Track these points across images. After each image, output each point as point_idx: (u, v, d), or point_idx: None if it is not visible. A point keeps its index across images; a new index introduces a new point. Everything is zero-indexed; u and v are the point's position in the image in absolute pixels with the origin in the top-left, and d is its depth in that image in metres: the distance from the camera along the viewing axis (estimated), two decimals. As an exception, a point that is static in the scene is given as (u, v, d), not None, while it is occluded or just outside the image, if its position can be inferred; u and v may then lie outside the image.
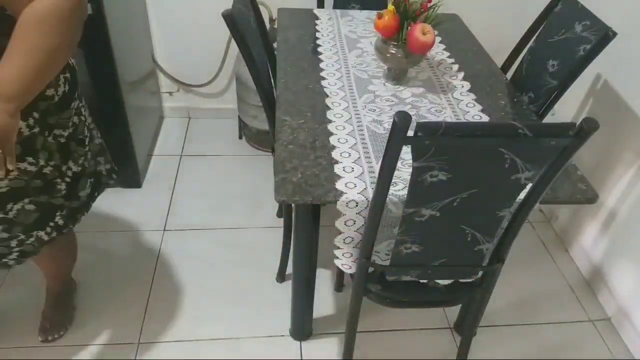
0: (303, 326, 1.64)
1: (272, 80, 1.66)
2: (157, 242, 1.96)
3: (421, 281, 1.29)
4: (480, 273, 1.28)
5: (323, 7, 2.10)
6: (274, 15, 2.27)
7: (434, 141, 0.91)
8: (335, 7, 2.11)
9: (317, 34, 1.82)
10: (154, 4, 2.32)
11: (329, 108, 1.41)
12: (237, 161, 2.41)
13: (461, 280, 1.31)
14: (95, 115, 1.96)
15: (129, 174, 2.17)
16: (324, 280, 1.86)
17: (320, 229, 1.34)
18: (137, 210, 2.09)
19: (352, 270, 1.28)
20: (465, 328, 1.54)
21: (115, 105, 1.96)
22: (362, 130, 1.33)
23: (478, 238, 1.14)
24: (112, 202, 2.12)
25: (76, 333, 1.62)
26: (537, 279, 1.96)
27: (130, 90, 2.04)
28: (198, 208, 2.13)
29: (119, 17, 1.91)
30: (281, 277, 1.84)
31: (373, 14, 1.96)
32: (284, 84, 1.51)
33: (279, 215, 2.11)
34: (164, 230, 2.01)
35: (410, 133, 0.90)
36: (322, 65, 1.62)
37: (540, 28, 1.69)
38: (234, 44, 2.41)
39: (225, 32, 2.37)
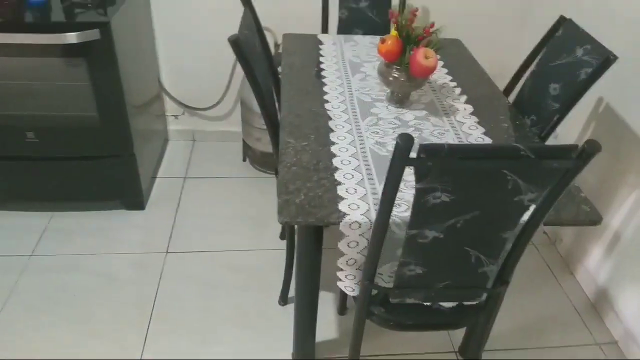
0: (306, 350, 1.61)
1: (276, 104, 1.68)
2: (160, 264, 1.96)
3: (425, 304, 1.28)
4: (485, 295, 1.27)
5: (327, 32, 2.14)
6: (279, 41, 2.32)
7: (436, 163, 0.91)
8: (339, 32, 2.15)
9: (321, 59, 1.85)
10: (161, 28, 2.37)
11: (332, 130, 1.42)
12: (241, 183, 2.42)
13: (465, 303, 1.29)
14: (102, 138, 1.99)
15: (133, 196, 2.18)
16: (327, 303, 1.84)
17: (323, 251, 1.33)
18: (140, 233, 2.10)
19: (355, 293, 1.27)
20: (470, 352, 1.51)
21: (121, 129, 1.99)
22: (365, 152, 1.33)
23: (482, 260, 1.14)
24: (115, 224, 2.12)
25: (78, 355, 1.60)
26: (543, 302, 1.94)
27: (136, 113, 2.07)
28: (201, 230, 2.13)
29: (126, 42, 1.95)
30: (284, 299, 1.83)
31: (376, 39, 2.00)
32: (288, 107, 1.53)
33: (282, 237, 2.10)
34: (167, 252, 2.01)
35: (413, 155, 0.91)
36: (325, 88, 1.64)
37: (542, 52, 1.71)
38: (239, 67, 2.46)
39: (231, 56, 2.42)
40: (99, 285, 1.85)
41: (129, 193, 2.17)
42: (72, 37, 1.74)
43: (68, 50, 1.81)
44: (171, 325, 1.72)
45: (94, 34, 1.75)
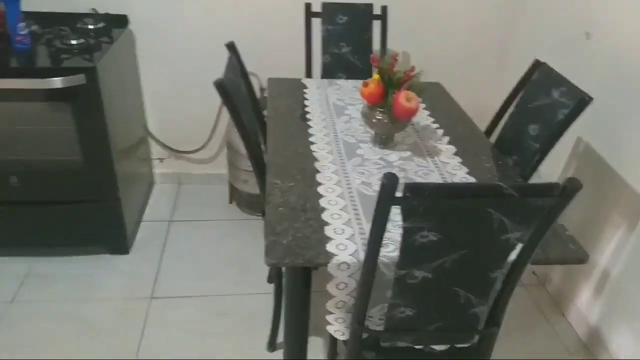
0: (294, 398, 1.56)
1: (262, 146, 1.69)
2: (144, 310, 1.90)
3: (417, 347, 1.25)
4: (477, 337, 1.25)
5: (311, 77, 2.19)
6: (264, 85, 2.36)
7: (422, 201, 0.92)
8: (323, 76, 2.20)
9: (306, 102, 1.88)
10: (147, 72, 2.39)
11: (318, 171, 1.43)
12: (227, 226, 2.40)
13: (458, 346, 1.27)
14: (86, 182, 1.98)
15: (117, 241, 2.14)
16: (316, 348, 1.80)
17: (312, 295, 1.31)
18: (124, 278, 2.05)
19: (346, 337, 1.24)
20: (464, 397, 1.47)
21: (106, 173, 1.97)
22: (352, 192, 1.34)
23: (472, 300, 1.13)
24: (98, 269, 2.07)
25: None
26: (535, 344, 1.91)
27: (121, 157, 2.06)
28: (186, 275, 2.08)
29: (112, 86, 1.97)
30: (272, 346, 1.78)
31: (359, 83, 2.04)
32: (274, 148, 1.54)
33: (270, 280, 2.07)
34: (151, 298, 1.96)
35: (399, 194, 0.91)
36: (311, 130, 1.66)
37: (520, 94, 1.77)
38: (225, 111, 2.48)
39: (217, 100, 2.45)
40: (81, 334, 1.78)
41: (113, 237, 2.13)
42: (57, 82, 1.75)
43: (53, 95, 1.82)
44: (154, 376, 1.66)
45: (79, 79, 1.77)
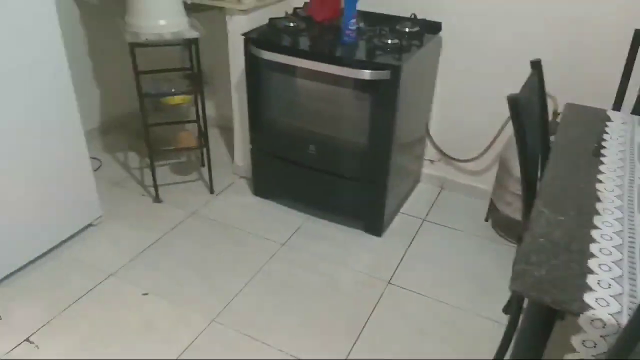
0: None
1: (538, 172, 1.60)
2: (380, 291, 2.05)
3: None
4: None
5: (619, 110, 1.93)
6: (559, 109, 2.20)
7: None
8: (634, 112, 1.91)
9: (605, 136, 1.68)
10: (443, 78, 2.51)
11: (598, 213, 1.28)
12: (476, 242, 2.36)
13: None
14: (363, 164, 2.22)
15: (374, 222, 2.35)
16: (536, 399, 1.64)
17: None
18: (372, 257, 2.24)
19: (577, 400, 1.11)
20: None
21: (383, 160, 2.18)
22: (634, 247, 1.16)
23: None
24: (352, 241, 2.32)
25: (279, 343, 1.81)
26: None
27: (398, 150, 2.24)
28: (425, 274, 2.15)
29: (410, 85, 2.14)
30: (489, 375, 1.70)
31: (683, 127, 1.71)
32: (551, 177, 1.44)
33: (506, 311, 1.96)
34: (389, 283, 2.10)
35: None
36: (602, 167, 1.49)
37: None
38: (507, 128, 2.42)
39: (503, 115, 2.41)
40: (325, 289, 2.05)
41: (372, 218, 2.35)
42: (366, 74, 2.00)
43: (359, 84, 2.09)
44: (374, 352, 1.79)
45: (385, 74, 1.98)
